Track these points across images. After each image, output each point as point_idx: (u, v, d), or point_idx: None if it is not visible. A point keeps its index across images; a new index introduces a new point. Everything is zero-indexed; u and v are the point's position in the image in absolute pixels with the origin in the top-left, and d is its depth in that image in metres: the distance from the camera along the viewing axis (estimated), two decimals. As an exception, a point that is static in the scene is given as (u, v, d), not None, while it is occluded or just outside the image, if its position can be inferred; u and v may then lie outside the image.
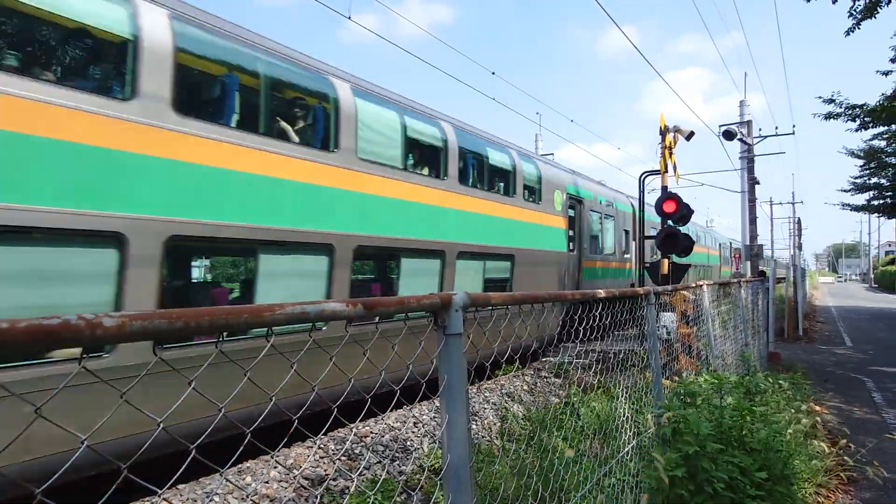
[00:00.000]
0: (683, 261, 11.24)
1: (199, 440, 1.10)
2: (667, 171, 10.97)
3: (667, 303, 7.21)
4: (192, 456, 1.03)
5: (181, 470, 1.27)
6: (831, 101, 15.38)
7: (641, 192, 12.06)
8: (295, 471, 5.30)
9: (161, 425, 1.00)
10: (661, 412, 3.27)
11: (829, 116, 15.60)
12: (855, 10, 10.37)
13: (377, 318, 1.63)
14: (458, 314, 1.78)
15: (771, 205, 42.97)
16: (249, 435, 1.20)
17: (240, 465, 5.29)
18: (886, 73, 14.80)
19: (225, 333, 1.11)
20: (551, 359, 9.81)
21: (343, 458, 5.72)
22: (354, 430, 6.48)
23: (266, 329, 1.19)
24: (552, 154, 21.94)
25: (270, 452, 1.30)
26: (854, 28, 10.70)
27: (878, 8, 10.01)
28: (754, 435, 3.33)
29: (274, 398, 1.23)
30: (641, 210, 12.31)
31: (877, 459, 5.28)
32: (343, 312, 1.39)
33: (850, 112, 15.05)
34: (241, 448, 1.35)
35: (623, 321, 3.88)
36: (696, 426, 2.82)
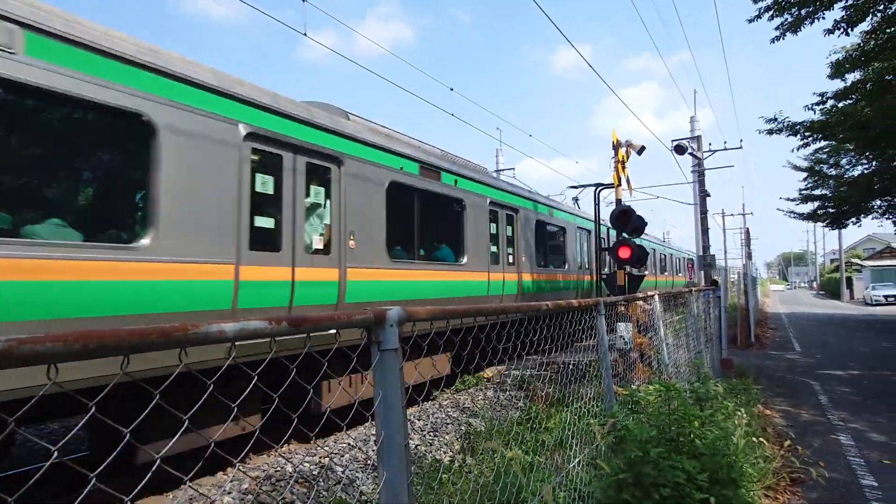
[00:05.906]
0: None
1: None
2: (620, 185, 11.27)
3: (623, 312, 7.35)
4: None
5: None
6: (774, 119, 16.42)
7: (597, 204, 12.34)
8: (250, 495, 5.12)
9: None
10: (606, 421, 3.31)
11: (771, 132, 16.62)
12: (782, 27, 12.52)
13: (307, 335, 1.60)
14: (394, 329, 1.75)
15: (723, 216, 44.59)
16: (158, 461, 1.15)
17: (190, 494, 5.08)
18: (822, 95, 15.74)
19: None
20: (514, 371, 9.85)
21: (301, 481, 5.56)
22: (287, 454, 6.32)
23: (179, 349, 1.16)
24: (513, 168, 22.32)
25: (189, 483, 1.25)
26: (779, 38, 12.91)
27: (801, 26, 12.31)
28: (701, 440, 3.40)
29: (187, 421, 1.19)
30: (597, 223, 12.59)
31: (822, 460, 5.46)
32: (265, 330, 1.36)
33: (790, 128, 16.09)
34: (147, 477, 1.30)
35: (576, 331, 3.92)
36: (639, 432, 2.86)
